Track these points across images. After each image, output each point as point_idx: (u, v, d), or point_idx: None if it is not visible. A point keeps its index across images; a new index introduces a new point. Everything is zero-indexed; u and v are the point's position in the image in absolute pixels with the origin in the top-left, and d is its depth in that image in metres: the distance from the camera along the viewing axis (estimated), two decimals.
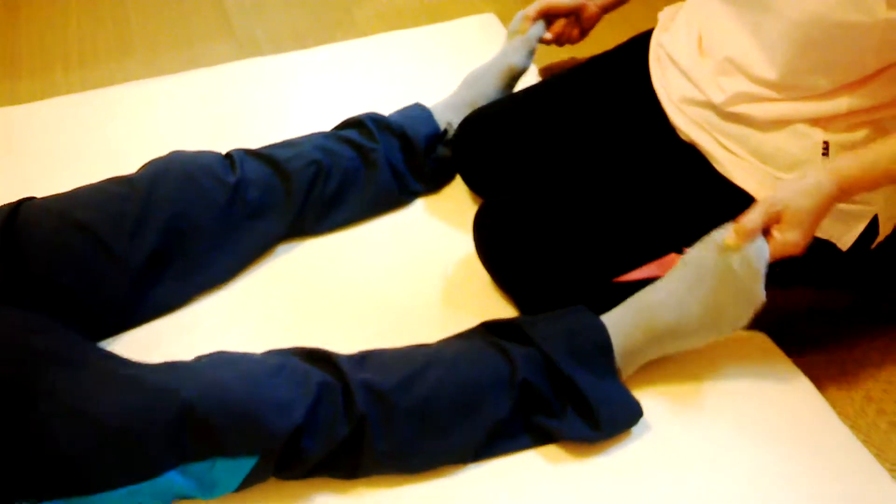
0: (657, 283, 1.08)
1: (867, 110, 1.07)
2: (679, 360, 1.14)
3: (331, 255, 1.32)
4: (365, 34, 1.88)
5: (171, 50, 2.16)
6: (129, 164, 1.29)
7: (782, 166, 1.13)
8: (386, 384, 1.00)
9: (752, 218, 1.00)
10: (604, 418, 1.03)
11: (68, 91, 2.01)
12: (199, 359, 1.03)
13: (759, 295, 1.01)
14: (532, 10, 1.46)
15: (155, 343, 1.17)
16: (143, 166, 1.26)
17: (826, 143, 1.09)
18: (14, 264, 1.10)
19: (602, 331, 1.07)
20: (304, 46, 1.84)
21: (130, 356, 1.05)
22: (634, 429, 1.07)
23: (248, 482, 0.97)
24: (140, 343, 1.17)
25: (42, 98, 1.69)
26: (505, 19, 1.93)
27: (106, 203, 1.18)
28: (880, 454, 1.22)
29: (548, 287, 1.16)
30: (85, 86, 2.04)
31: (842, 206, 1.11)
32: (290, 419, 0.94)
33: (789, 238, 1.00)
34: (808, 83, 1.06)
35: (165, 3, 2.35)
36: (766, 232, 1.02)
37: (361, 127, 1.40)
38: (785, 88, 1.08)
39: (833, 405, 1.13)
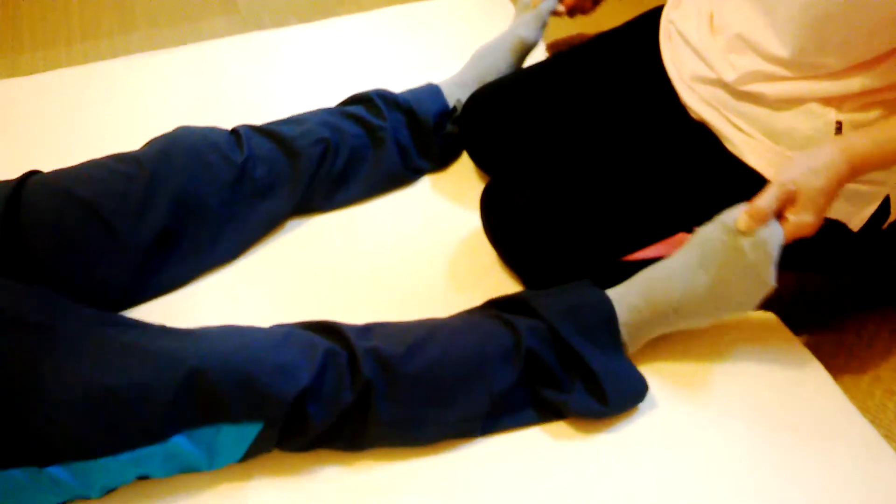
0: (665, 261, 1.08)
1: (880, 90, 1.06)
2: (686, 339, 1.14)
3: (338, 232, 1.32)
4: (370, 9, 1.87)
5: (174, 25, 2.14)
6: (133, 137, 1.29)
7: (795, 146, 1.12)
8: (391, 352, 1.00)
9: (765, 201, 0.99)
10: (610, 392, 1.03)
11: (70, 65, 2.00)
12: (207, 328, 1.03)
13: (771, 280, 1.00)
14: None
15: (163, 319, 1.16)
16: (149, 142, 1.25)
17: (839, 122, 1.08)
18: (17, 242, 1.10)
19: (608, 304, 1.07)
20: (308, 21, 1.83)
21: None
22: (641, 406, 1.07)
23: (252, 451, 0.97)
24: (152, 317, 1.16)
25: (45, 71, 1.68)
26: None
27: (111, 181, 1.17)
28: (889, 435, 1.22)
29: (555, 265, 1.16)
30: (87, 60, 2.03)
31: (853, 186, 1.10)
32: (295, 384, 0.94)
33: (803, 219, 0.99)
34: (821, 62, 1.05)
35: None
36: (778, 214, 1.00)
37: (369, 103, 1.39)
38: (797, 67, 1.07)
39: (842, 387, 1.13)
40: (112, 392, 0.91)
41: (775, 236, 0.99)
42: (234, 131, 1.30)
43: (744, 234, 0.99)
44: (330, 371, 0.98)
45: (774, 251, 0.99)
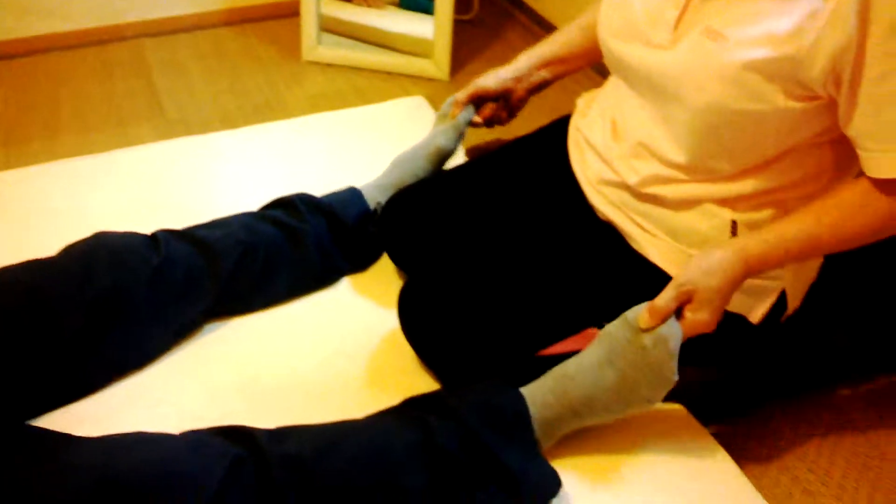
0: (574, 358, 1.11)
1: (770, 191, 1.12)
2: (598, 433, 1.15)
3: (257, 333, 1.32)
4: (295, 116, 1.91)
5: (102, 131, 2.15)
6: (53, 243, 1.28)
7: (694, 243, 1.17)
8: (303, 457, 0.99)
9: (664, 299, 1.03)
10: (524, 490, 1.03)
11: None
12: (116, 436, 1.02)
13: (672, 375, 1.04)
14: (462, 95, 1.51)
15: (76, 425, 1.14)
16: (67, 248, 1.25)
17: (734, 221, 1.14)
18: None
19: (520, 400, 1.09)
20: (234, 128, 1.86)
21: None
22: (555, 502, 1.07)
23: None
24: (63, 424, 1.14)
25: None
26: (434, 102, 1.99)
27: (27, 288, 1.16)
28: None
29: (472, 364, 1.18)
30: (10, 165, 2.02)
31: (752, 281, 1.15)
32: (202, 494, 0.93)
33: (700, 317, 1.04)
34: (714, 167, 1.11)
35: (97, 85, 2.35)
36: (678, 312, 1.05)
37: (290, 206, 1.42)
38: (693, 171, 1.13)
39: (748, 474, 1.15)
40: None
41: (674, 333, 1.03)
42: (153, 236, 1.30)
43: (645, 331, 1.04)
44: (239, 479, 0.96)
45: (674, 347, 1.03)
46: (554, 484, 1.07)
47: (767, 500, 1.12)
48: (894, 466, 1.36)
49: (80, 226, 1.40)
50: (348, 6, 2.59)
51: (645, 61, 1.12)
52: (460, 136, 1.51)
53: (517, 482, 1.03)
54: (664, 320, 1.03)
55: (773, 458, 1.36)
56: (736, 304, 1.16)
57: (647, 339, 1.03)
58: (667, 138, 1.13)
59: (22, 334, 1.13)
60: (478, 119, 1.53)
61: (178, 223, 1.38)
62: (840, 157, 1.11)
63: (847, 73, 0.96)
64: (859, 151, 1.02)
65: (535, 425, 1.08)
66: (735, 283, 1.04)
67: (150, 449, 0.97)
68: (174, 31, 2.65)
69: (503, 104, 1.53)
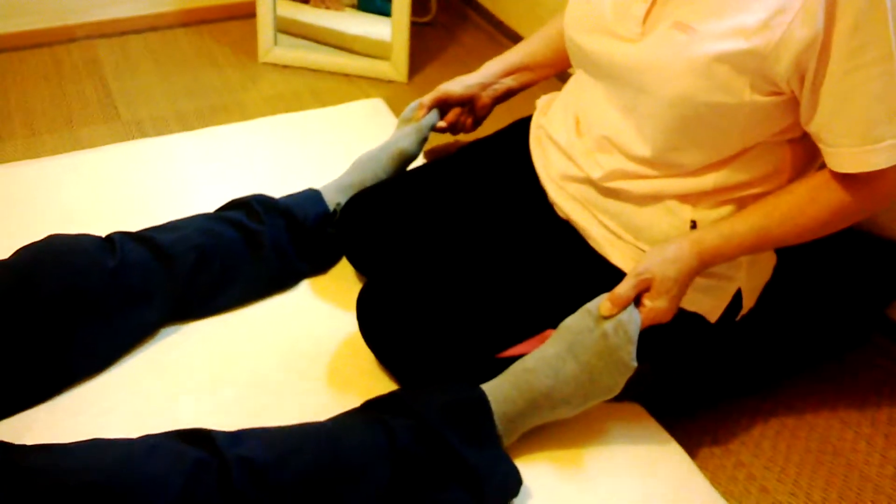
0: (535, 351, 1.12)
1: (731, 188, 1.14)
2: (558, 430, 1.17)
3: (214, 337, 1.30)
4: (253, 118, 1.90)
5: (53, 133, 2.12)
6: (5, 246, 1.26)
7: (653, 241, 1.18)
8: (263, 460, 0.99)
9: (624, 287, 1.08)
10: (486, 487, 1.03)
11: None
12: (74, 444, 1.00)
13: (631, 360, 1.07)
14: (427, 99, 1.49)
15: (28, 431, 1.12)
16: (19, 251, 1.23)
17: (694, 221, 1.15)
18: None
19: (482, 397, 1.09)
20: (190, 129, 1.84)
21: None
22: (516, 500, 1.08)
23: None
24: (14, 431, 1.12)
25: None
26: (392, 104, 1.99)
27: None
28: None
29: (429, 364, 1.18)
30: None
31: (709, 281, 1.18)
32: (165, 496, 0.91)
33: (658, 305, 1.08)
34: (678, 160, 1.13)
35: (48, 87, 2.31)
36: (637, 301, 1.09)
37: (247, 208, 1.40)
38: (658, 165, 1.15)
39: (705, 471, 1.17)
40: None
41: (634, 320, 1.07)
42: (109, 238, 1.28)
43: (605, 318, 1.07)
44: (199, 483, 0.95)
45: (634, 333, 1.06)
46: (515, 481, 1.07)
47: (724, 497, 1.14)
48: (846, 461, 1.39)
49: (33, 229, 1.38)
50: (305, 8, 2.58)
51: (612, 54, 1.13)
52: (423, 140, 1.51)
53: (479, 480, 1.03)
54: (624, 308, 1.07)
55: (730, 455, 1.38)
56: (693, 304, 1.18)
57: (607, 326, 1.07)
58: (632, 131, 1.14)
59: None
60: (442, 124, 1.52)
61: (134, 225, 1.36)
62: (799, 157, 1.14)
63: (811, 69, 0.98)
64: (821, 146, 1.05)
65: (497, 421, 1.09)
66: (691, 273, 1.09)
67: (104, 453, 0.96)
68: (128, 32, 2.62)
69: (468, 111, 1.53)
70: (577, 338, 1.09)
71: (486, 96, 1.50)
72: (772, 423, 1.44)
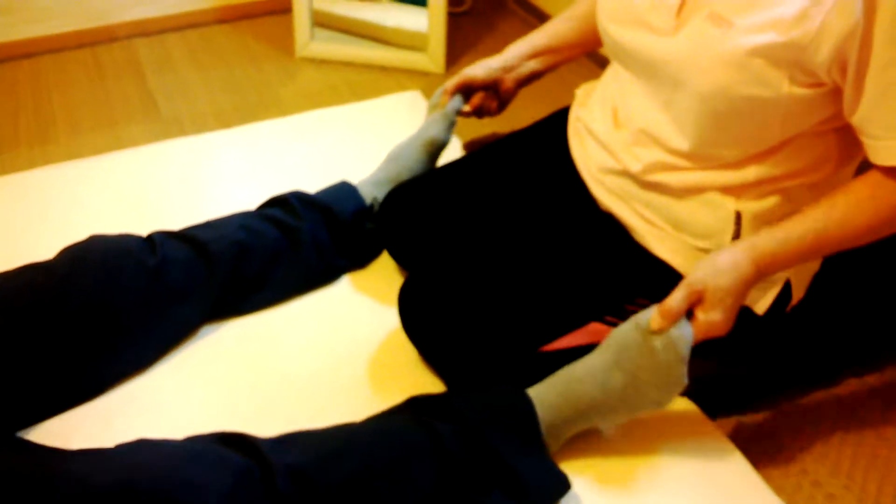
0: (582, 360, 1.09)
1: (774, 179, 1.11)
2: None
3: (255, 335, 1.30)
4: (291, 113, 1.90)
5: (96, 132, 2.14)
6: (49, 247, 1.27)
7: (696, 234, 1.16)
8: (308, 466, 0.98)
9: (674, 300, 1.01)
10: (532, 493, 1.02)
11: None
12: (118, 446, 1.00)
13: (682, 378, 1.02)
14: (450, 84, 1.50)
15: (74, 432, 1.13)
16: (62, 251, 1.24)
17: (738, 213, 1.13)
18: None
19: (528, 404, 1.07)
20: (228, 126, 1.85)
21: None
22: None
23: None
24: (58, 433, 1.13)
25: None
26: (429, 96, 1.97)
27: (22, 291, 1.15)
28: None
29: (474, 360, 1.16)
30: (5, 170, 2.01)
31: None
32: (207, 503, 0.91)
33: (712, 318, 1.02)
34: (718, 154, 1.10)
35: (90, 87, 2.34)
36: (689, 314, 1.03)
37: (286, 205, 1.40)
38: (697, 158, 1.12)
39: (768, 480, 1.13)
40: None
41: (685, 336, 1.01)
42: (149, 237, 1.29)
43: (655, 333, 1.01)
44: (243, 490, 0.95)
45: (684, 350, 1.01)
46: (562, 486, 1.05)
47: (775, 493, 1.11)
48: None
49: (76, 230, 1.39)
50: (341, 1, 2.57)
51: (647, 47, 1.11)
52: (451, 126, 1.50)
53: (525, 485, 1.02)
54: (675, 322, 1.01)
55: (781, 450, 1.35)
56: None
57: (657, 342, 1.01)
58: (669, 125, 1.12)
59: (13, 339, 1.11)
60: (467, 108, 1.52)
61: (175, 224, 1.37)
62: (844, 146, 1.10)
63: (853, 60, 0.95)
64: (864, 139, 1.01)
65: (543, 429, 1.07)
66: (746, 283, 1.02)
67: (145, 457, 0.96)
68: (167, 31, 2.64)
69: (492, 94, 1.52)
70: (625, 350, 1.04)
71: (510, 79, 1.49)
72: (824, 416, 1.41)
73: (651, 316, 1.02)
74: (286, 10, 2.67)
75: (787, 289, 1.19)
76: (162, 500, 0.90)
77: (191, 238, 1.30)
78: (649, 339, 1.02)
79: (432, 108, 1.52)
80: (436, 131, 1.48)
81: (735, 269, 1.01)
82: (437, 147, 1.49)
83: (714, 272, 1.02)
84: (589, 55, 2.29)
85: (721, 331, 1.03)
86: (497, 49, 1.53)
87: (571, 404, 1.07)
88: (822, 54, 0.95)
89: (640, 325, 1.03)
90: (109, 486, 0.90)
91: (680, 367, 1.01)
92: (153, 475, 0.92)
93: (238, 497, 0.94)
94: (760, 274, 1.03)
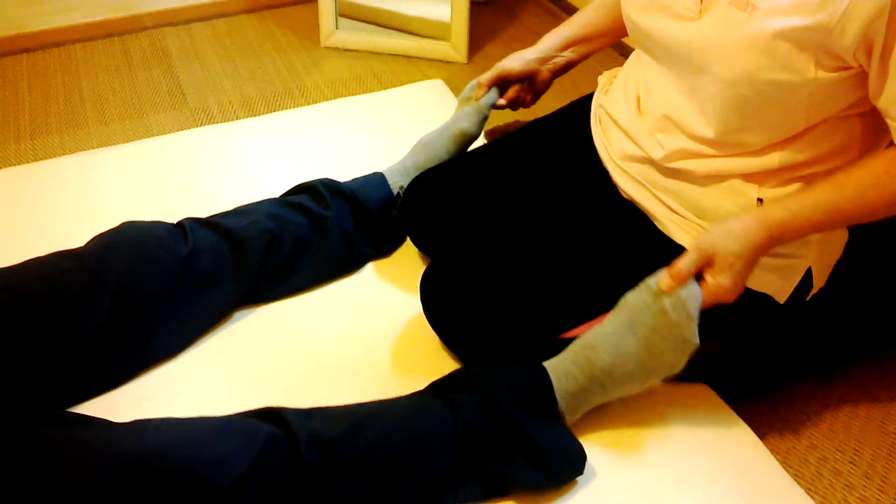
0: (595, 327, 1.10)
1: (798, 166, 1.11)
2: (621, 409, 1.16)
3: (283, 320, 1.33)
4: (316, 102, 1.91)
5: (125, 120, 2.17)
6: (80, 234, 1.29)
7: (718, 221, 1.16)
8: (332, 433, 1.01)
9: (684, 262, 1.04)
10: (551, 462, 1.04)
11: (19, 163, 2.01)
12: (146, 420, 1.03)
13: (693, 337, 1.03)
14: (486, 78, 1.48)
15: (106, 413, 1.16)
16: (93, 239, 1.26)
17: (760, 199, 1.13)
18: None
19: (544, 374, 1.09)
20: (255, 115, 1.87)
21: None
22: (581, 478, 1.08)
23: None
24: (92, 414, 1.16)
25: None
26: (453, 85, 1.99)
27: (54, 278, 1.18)
28: (824, 501, 1.24)
29: (495, 346, 1.18)
30: (37, 157, 2.04)
31: (777, 260, 1.15)
32: (231, 473, 0.94)
33: (721, 281, 1.03)
34: (742, 140, 1.10)
35: (118, 75, 2.37)
36: (698, 277, 1.05)
37: (314, 192, 1.42)
38: (721, 145, 1.12)
39: (777, 455, 1.15)
40: (50, 495, 0.91)
41: (694, 295, 1.03)
42: (180, 224, 1.31)
43: (665, 294, 1.03)
44: (270, 456, 0.98)
45: (694, 310, 1.02)
46: (580, 457, 1.07)
47: (796, 480, 1.12)
48: None
49: (105, 215, 1.42)
50: None
51: (671, 33, 1.11)
52: (484, 119, 1.50)
53: (543, 456, 1.04)
54: (684, 283, 1.03)
55: (801, 438, 1.35)
56: (762, 284, 1.16)
57: (666, 302, 1.03)
58: (694, 111, 1.12)
59: (45, 325, 1.14)
60: (502, 102, 1.51)
61: (203, 211, 1.39)
62: (869, 131, 1.10)
63: (879, 42, 0.95)
64: (890, 122, 1.01)
65: (560, 398, 1.09)
66: (757, 250, 1.04)
67: (180, 430, 0.99)
68: (195, 20, 2.67)
69: (527, 86, 1.51)
70: (636, 313, 1.06)
71: (545, 71, 1.48)
72: (844, 405, 1.41)
73: (660, 276, 1.04)
74: (311, 0, 2.70)
75: (808, 277, 1.19)
76: (187, 471, 0.93)
77: (220, 226, 1.32)
78: (659, 299, 1.04)
79: (464, 101, 1.50)
80: (468, 124, 1.48)
81: (746, 235, 1.03)
82: (468, 139, 1.50)
83: (725, 236, 1.03)
84: None
85: (729, 296, 1.04)
86: (519, 37, 1.53)
87: (586, 372, 1.08)
88: (849, 37, 0.95)
89: (650, 287, 1.05)
90: (136, 457, 0.93)
91: (690, 326, 1.03)
92: (181, 447, 0.96)
93: (265, 461, 0.97)
94: (773, 240, 1.04)
